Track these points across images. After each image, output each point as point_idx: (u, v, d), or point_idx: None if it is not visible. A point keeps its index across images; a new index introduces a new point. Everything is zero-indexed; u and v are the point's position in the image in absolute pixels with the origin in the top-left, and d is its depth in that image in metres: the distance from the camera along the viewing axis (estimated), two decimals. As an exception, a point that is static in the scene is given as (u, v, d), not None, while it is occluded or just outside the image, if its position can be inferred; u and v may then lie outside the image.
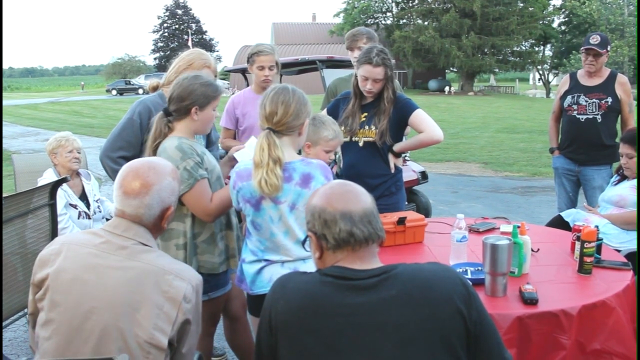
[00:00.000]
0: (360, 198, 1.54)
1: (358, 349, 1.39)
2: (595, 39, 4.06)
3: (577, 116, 4.18)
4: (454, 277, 1.50)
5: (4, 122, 22.08)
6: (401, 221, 2.80)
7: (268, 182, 2.11)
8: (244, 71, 6.84)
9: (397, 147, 3.23)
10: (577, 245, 2.46)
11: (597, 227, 2.51)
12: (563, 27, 47.24)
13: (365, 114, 3.22)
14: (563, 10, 43.99)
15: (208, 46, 60.53)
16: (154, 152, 2.46)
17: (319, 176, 2.20)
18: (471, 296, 1.47)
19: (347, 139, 3.23)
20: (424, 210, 5.50)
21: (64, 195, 3.70)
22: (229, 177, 2.38)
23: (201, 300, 1.77)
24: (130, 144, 2.95)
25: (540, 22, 42.05)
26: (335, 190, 1.57)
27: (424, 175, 5.84)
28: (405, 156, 5.62)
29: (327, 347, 1.41)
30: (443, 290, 1.45)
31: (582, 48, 4.15)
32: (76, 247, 1.71)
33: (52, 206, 3.10)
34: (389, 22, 45.55)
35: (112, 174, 2.96)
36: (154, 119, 2.51)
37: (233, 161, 2.72)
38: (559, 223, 3.46)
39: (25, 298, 2.74)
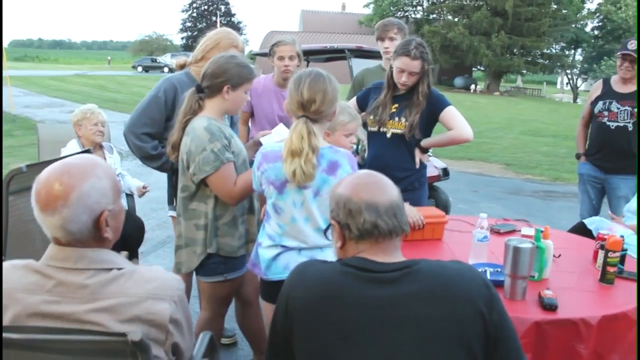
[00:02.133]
0: (387, 190, 1.51)
1: (374, 342, 1.37)
2: (633, 44, 3.95)
3: (608, 123, 4.08)
4: (477, 277, 1.47)
5: (30, 92, 22.38)
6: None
7: (304, 171, 2.08)
8: (271, 55, 6.81)
9: (425, 142, 3.18)
10: (601, 254, 2.40)
11: (622, 236, 2.46)
12: (596, 32, 46.41)
13: (396, 105, 3.17)
14: (598, 14, 43.19)
15: (235, 29, 59.92)
16: (183, 129, 2.46)
17: (346, 165, 2.17)
18: (493, 298, 1.44)
19: (375, 129, 3.19)
20: (443, 207, 5.45)
21: (86, 167, 3.71)
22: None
23: (187, 305, 1.58)
24: (154, 121, 2.95)
25: (573, 26, 41.46)
26: (362, 180, 1.54)
27: (445, 172, 5.78)
28: (428, 152, 5.56)
29: (342, 337, 1.39)
30: (465, 290, 1.42)
31: (618, 53, 4.05)
32: (24, 296, 1.40)
33: (74, 177, 3.11)
34: (418, 16, 45.22)
35: (136, 149, 2.97)
36: (186, 94, 2.50)
37: (258, 145, 2.71)
38: (581, 230, 3.39)
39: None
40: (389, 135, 3.16)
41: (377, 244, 1.48)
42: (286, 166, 2.12)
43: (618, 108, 4.04)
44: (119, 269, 1.47)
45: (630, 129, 4.00)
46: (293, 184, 2.16)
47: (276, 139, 2.65)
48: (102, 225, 1.45)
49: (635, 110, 3.97)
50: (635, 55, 3.92)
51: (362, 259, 1.47)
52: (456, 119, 3.09)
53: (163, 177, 3.22)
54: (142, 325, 1.40)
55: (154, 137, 2.97)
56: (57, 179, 1.41)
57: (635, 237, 3.25)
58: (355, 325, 1.39)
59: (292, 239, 2.24)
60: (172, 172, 3.10)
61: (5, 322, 1.41)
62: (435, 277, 1.43)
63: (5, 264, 1.49)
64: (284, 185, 2.19)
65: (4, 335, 1.35)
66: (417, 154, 3.19)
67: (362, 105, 3.35)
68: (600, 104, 4.14)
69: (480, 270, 2.34)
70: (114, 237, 1.52)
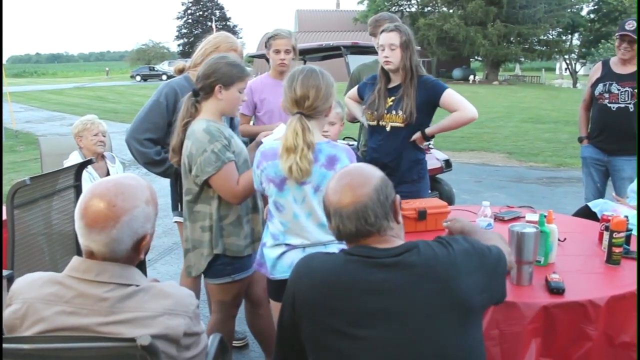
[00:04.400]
0: (355, 192, 1.50)
1: (384, 324, 1.39)
2: (631, 24, 3.94)
3: (609, 105, 4.08)
4: (476, 249, 1.51)
5: (30, 107, 22.44)
6: (422, 216, 2.77)
7: (300, 167, 2.10)
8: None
9: (430, 130, 3.18)
10: (606, 235, 2.40)
11: (626, 217, 2.45)
12: (592, 16, 46.14)
13: (392, 98, 3.18)
14: (593, -2, 43.00)
15: (232, 33, 60.06)
16: (184, 133, 2.49)
17: (344, 159, 2.18)
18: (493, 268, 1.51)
19: (374, 124, 3.21)
20: (447, 198, 5.43)
21: (89, 177, 3.73)
22: None
23: (200, 323, 1.59)
24: (156, 126, 2.97)
25: (569, 10, 41.20)
26: (335, 183, 1.55)
27: (447, 164, 5.78)
28: (429, 144, 5.56)
29: (351, 324, 1.40)
30: (466, 263, 1.46)
31: (616, 34, 4.04)
32: (42, 306, 1.43)
33: (78, 188, 3.13)
34: (413, 9, 45.01)
35: (139, 155, 2.98)
36: (183, 99, 2.53)
37: None
38: (586, 213, 3.38)
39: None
40: (388, 128, 3.17)
41: (364, 240, 1.51)
42: (282, 163, 2.14)
43: (618, 89, 4.03)
44: (137, 285, 1.49)
45: (631, 109, 3.99)
46: (292, 180, 2.17)
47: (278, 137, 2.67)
48: (141, 248, 1.51)
49: (636, 91, 3.96)
50: (635, 36, 3.90)
51: (365, 247, 1.50)
52: (458, 101, 3.10)
53: (166, 184, 3.23)
54: (156, 340, 1.40)
55: (156, 143, 2.98)
56: (111, 199, 1.44)
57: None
58: (363, 309, 1.41)
59: (295, 236, 2.25)
60: (176, 178, 3.11)
61: (25, 334, 1.43)
62: (434, 255, 1.46)
63: (32, 275, 1.51)
64: (283, 182, 2.20)
65: (16, 346, 1.36)
66: (416, 137, 3.18)
67: (361, 95, 3.40)
68: (600, 86, 4.13)
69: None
70: (143, 256, 1.58)
